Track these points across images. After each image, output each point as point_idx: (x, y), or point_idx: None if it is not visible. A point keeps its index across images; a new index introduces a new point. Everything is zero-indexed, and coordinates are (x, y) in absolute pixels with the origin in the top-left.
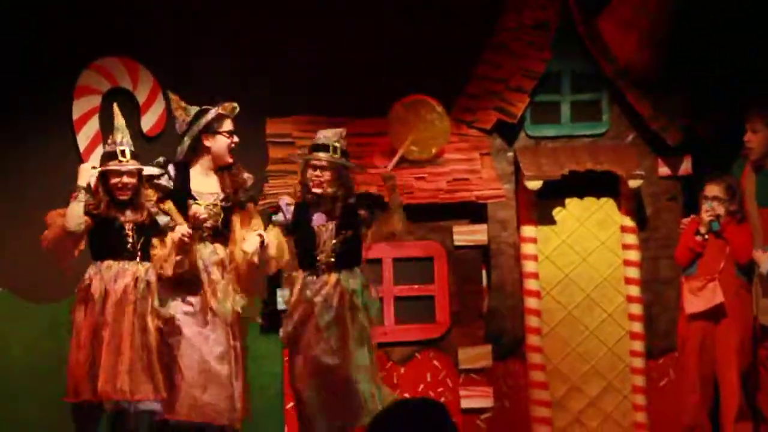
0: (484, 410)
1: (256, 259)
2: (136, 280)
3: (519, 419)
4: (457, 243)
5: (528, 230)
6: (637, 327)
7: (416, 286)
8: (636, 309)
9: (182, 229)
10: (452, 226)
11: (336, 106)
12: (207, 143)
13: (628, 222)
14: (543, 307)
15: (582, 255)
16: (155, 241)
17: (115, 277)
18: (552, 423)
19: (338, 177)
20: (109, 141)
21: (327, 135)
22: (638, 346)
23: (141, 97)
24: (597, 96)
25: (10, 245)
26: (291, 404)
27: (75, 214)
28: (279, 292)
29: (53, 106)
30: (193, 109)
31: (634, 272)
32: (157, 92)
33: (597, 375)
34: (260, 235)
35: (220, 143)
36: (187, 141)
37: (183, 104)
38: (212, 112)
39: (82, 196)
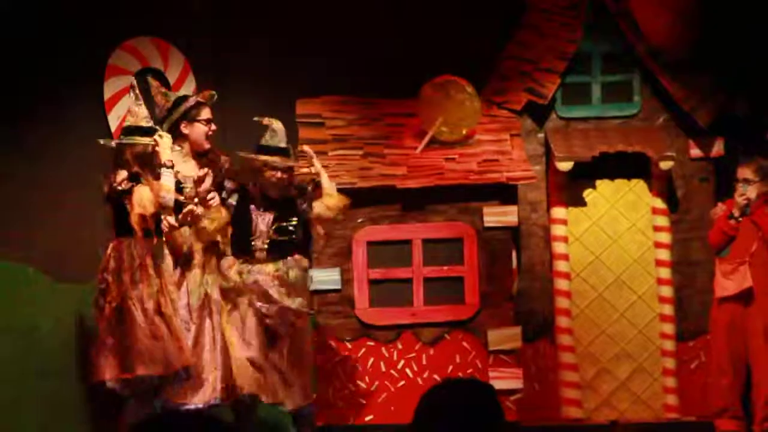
0: (513, 392)
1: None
2: None
3: (549, 401)
4: (487, 224)
5: (558, 212)
6: (668, 309)
7: (446, 268)
8: (666, 291)
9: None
10: (482, 208)
11: (366, 86)
12: (185, 130)
13: (659, 204)
14: (573, 288)
15: (612, 237)
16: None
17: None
18: (582, 405)
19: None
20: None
21: (282, 134)
22: (668, 328)
23: (171, 77)
24: (628, 77)
25: (45, 226)
26: (322, 384)
27: (170, 188)
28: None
29: (84, 87)
30: (173, 95)
31: (664, 254)
32: (188, 72)
33: (627, 357)
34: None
35: (197, 131)
36: (165, 127)
37: (163, 90)
38: (191, 100)
39: (169, 170)
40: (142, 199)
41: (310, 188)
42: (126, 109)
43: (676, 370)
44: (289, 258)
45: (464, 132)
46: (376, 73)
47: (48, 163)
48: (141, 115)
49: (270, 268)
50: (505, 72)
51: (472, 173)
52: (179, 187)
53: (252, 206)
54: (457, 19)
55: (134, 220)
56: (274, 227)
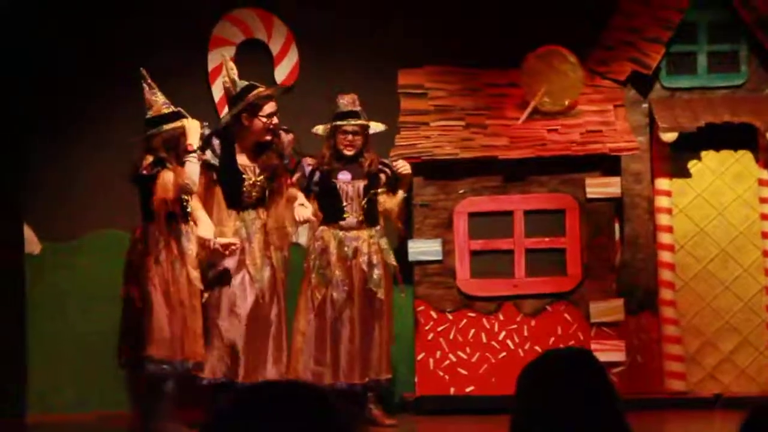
0: (616, 364)
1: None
2: None
3: (651, 374)
4: (589, 195)
5: (662, 183)
6: None
7: (547, 239)
8: None
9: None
10: (585, 179)
11: (468, 56)
12: (245, 122)
13: (766, 175)
14: (677, 261)
15: (718, 209)
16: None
17: None
18: (685, 378)
19: (366, 141)
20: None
21: (350, 101)
22: None
23: (275, 49)
24: (735, 46)
25: None
26: (422, 354)
27: (193, 174)
28: (410, 244)
29: (189, 58)
30: (241, 84)
31: None
32: (291, 43)
33: (732, 330)
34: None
35: (257, 125)
36: (228, 117)
37: (233, 76)
38: (255, 93)
39: (194, 155)
40: (166, 183)
41: (388, 173)
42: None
43: None
44: (378, 227)
45: (567, 102)
46: (478, 43)
47: None
48: (159, 103)
49: (365, 234)
50: (609, 42)
51: (575, 144)
52: (240, 177)
53: (339, 175)
54: None
55: (156, 204)
56: (366, 198)
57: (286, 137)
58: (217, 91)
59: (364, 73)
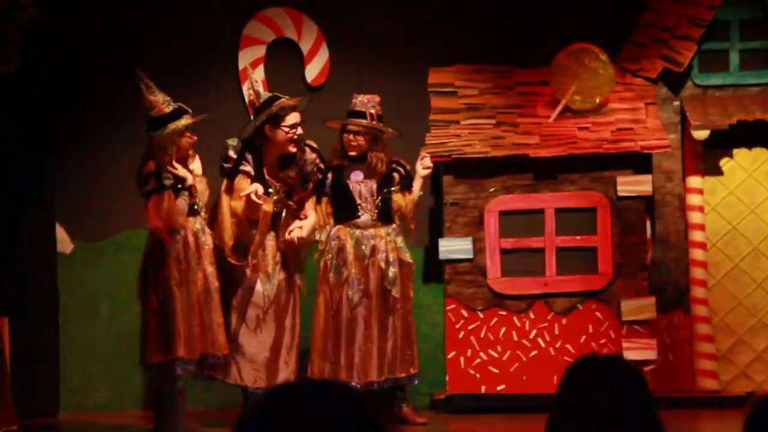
0: (647, 362)
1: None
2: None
3: (683, 372)
4: (621, 194)
5: (694, 181)
6: None
7: (578, 237)
8: None
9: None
10: (616, 177)
11: (499, 55)
12: (269, 133)
13: None
14: (709, 259)
15: (750, 206)
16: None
17: None
18: (717, 376)
19: (373, 141)
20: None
21: (363, 101)
22: None
23: (305, 47)
24: (767, 43)
25: None
26: (453, 353)
27: (183, 211)
28: (441, 243)
29: (219, 57)
30: (265, 96)
31: None
32: (321, 42)
33: (765, 328)
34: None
35: (280, 136)
36: (251, 128)
37: (258, 88)
38: (278, 103)
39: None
40: (158, 209)
41: (402, 172)
42: (260, 79)
43: None
44: (394, 225)
45: (598, 100)
46: (509, 41)
47: None
48: (160, 102)
49: (382, 232)
50: (640, 39)
51: (606, 142)
52: (267, 192)
53: (352, 175)
54: None
55: (150, 230)
56: (379, 198)
57: (310, 155)
58: (247, 91)
59: (395, 72)
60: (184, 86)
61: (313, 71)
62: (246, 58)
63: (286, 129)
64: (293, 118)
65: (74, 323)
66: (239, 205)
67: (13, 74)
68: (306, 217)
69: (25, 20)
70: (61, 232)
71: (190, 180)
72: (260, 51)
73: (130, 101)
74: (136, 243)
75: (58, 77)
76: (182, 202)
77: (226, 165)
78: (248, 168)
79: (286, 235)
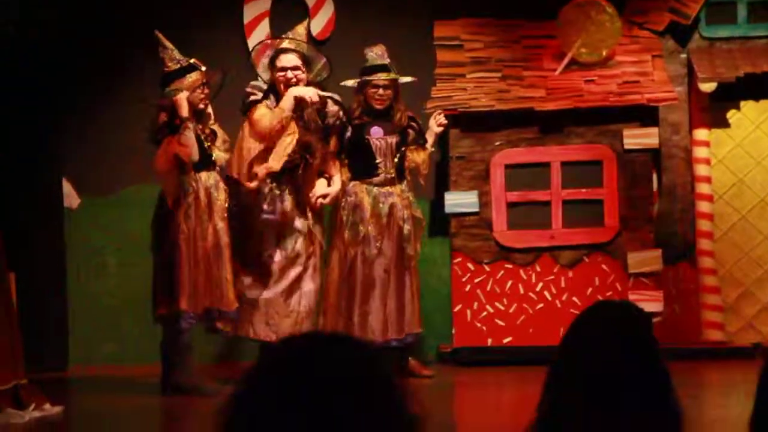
0: (654, 314)
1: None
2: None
3: (690, 324)
4: (627, 146)
5: (701, 133)
6: None
7: (584, 190)
8: None
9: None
10: (622, 130)
11: (505, 8)
12: (272, 78)
13: None
14: (715, 211)
15: (757, 159)
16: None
17: None
18: (723, 328)
19: (395, 93)
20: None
21: (379, 53)
22: None
23: (310, 1)
24: None
25: None
26: (459, 306)
27: (192, 145)
28: (447, 196)
29: (225, 11)
30: (279, 47)
31: None
32: None
33: None
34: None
35: (277, 80)
36: (265, 75)
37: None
38: (274, 49)
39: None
40: (164, 152)
41: (416, 127)
42: (265, 33)
43: None
44: (405, 181)
45: (604, 53)
46: None
47: None
48: (167, 59)
49: (398, 189)
50: None
51: (612, 95)
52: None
53: (372, 131)
54: None
55: (158, 175)
56: (398, 155)
57: (332, 107)
58: (253, 44)
59: (400, 25)
60: (189, 40)
61: (318, 25)
62: (251, 11)
63: (279, 71)
64: (284, 60)
65: (82, 278)
66: (268, 115)
67: (19, 29)
68: (330, 177)
69: None
70: (68, 187)
71: (185, 112)
72: (266, 5)
73: (137, 56)
74: (143, 197)
75: (64, 31)
76: (189, 134)
77: (248, 100)
78: (271, 102)
79: (311, 198)
